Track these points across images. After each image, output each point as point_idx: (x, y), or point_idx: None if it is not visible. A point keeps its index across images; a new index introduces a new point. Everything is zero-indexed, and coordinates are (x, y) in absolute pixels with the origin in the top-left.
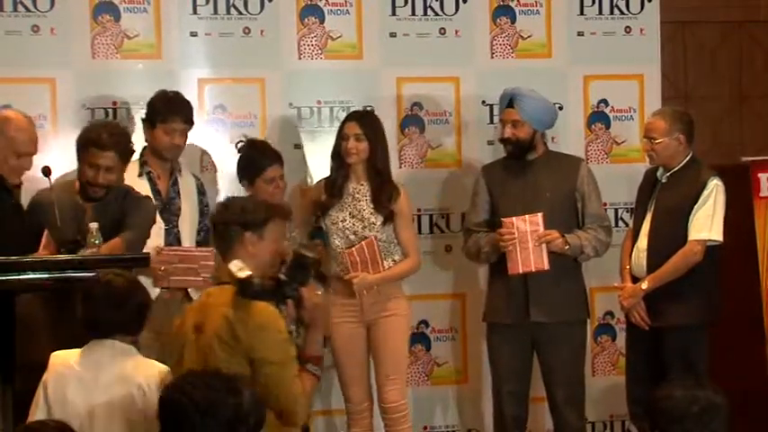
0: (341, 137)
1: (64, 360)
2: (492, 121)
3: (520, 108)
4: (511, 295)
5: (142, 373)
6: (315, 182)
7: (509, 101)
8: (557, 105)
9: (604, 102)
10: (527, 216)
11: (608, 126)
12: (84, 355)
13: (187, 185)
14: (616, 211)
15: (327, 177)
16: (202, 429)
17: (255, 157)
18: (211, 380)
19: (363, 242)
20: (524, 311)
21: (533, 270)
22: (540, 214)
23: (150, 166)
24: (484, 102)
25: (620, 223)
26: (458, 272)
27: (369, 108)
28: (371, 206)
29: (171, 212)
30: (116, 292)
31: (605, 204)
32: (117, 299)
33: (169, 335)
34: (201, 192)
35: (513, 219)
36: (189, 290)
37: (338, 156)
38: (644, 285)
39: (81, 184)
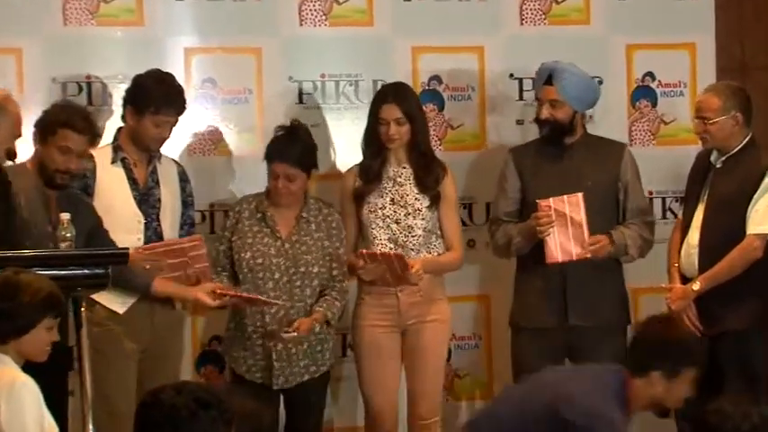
0: (377, 121)
1: None
2: (521, 98)
3: (560, 86)
4: (546, 295)
5: None
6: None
7: (548, 77)
8: (596, 79)
9: (650, 75)
10: (565, 197)
11: (654, 103)
12: None
13: (167, 173)
14: (663, 200)
15: (362, 163)
16: None
17: (271, 145)
18: (188, 392)
19: (393, 252)
20: (562, 314)
21: (574, 259)
22: (580, 195)
23: (125, 152)
24: (512, 75)
25: (669, 215)
26: (482, 270)
27: (383, 82)
28: (416, 189)
29: (150, 204)
30: None
31: (651, 193)
32: None
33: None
34: (184, 179)
35: (551, 200)
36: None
37: (374, 141)
38: (696, 286)
39: (44, 169)
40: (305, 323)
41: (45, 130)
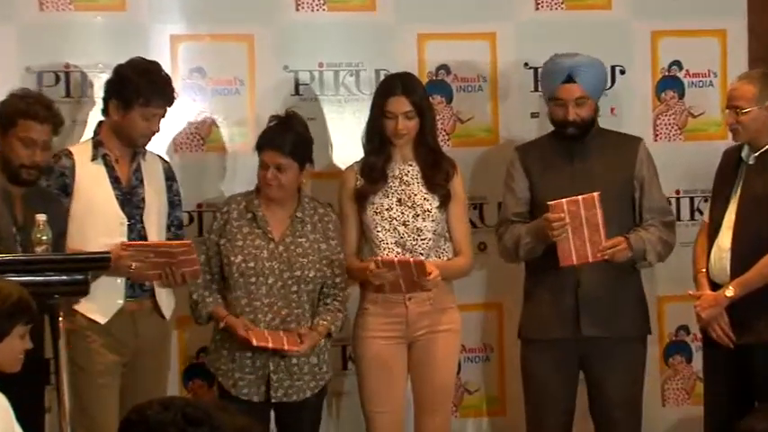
0: (384, 114)
1: None
2: (536, 89)
3: (584, 82)
4: (556, 304)
5: None
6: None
7: (567, 75)
8: (618, 69)
9: (677, 64)
10: (580, 198)
11: (682, 94)
12: None
13: (152, 170)
14: (692, 200)
15: (364, 160)
16: None
17: (265, 131)
18: (176, 408)
19: (413, 259)
20: (574, 324)
21: (590, 261)
22: (596, 194)
23: (107, 148)
24: (527, 64)
25: (697, 216)
26: (493, 276)
27: (386, 72)
28: (424, 189)
29: (133, 204)
30: None
31: (678, 192)
32: None
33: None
34: (170, 177)
35: (564, 201)
36: (160, 302)
37: (378, 136)
38: (728, 293)
39: (8, 165)
40: (308, 338)
41: (4, 122)
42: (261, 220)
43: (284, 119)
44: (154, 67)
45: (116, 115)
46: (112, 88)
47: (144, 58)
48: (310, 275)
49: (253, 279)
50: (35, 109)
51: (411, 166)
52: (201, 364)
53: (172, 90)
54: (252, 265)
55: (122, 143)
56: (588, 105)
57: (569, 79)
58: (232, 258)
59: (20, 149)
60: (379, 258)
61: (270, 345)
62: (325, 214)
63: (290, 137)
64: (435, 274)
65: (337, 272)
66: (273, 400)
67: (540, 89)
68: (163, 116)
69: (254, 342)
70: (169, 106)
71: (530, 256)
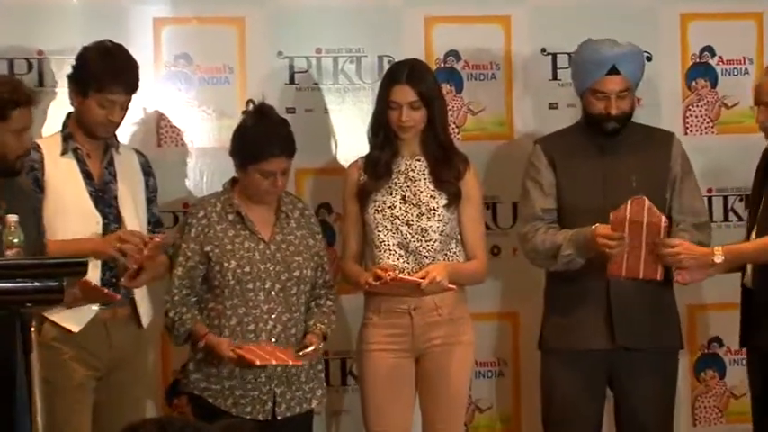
0: (387, 105)
1: None
2: (555, 77)
3: (630, 73)
4: (588, 311)
5: None
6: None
7: (612, 66)
8: (645, 55)
9: (709, 50)
10: (646, 204)
11: (714, 83)
12: None
13: (127, 165)
14: (725, 199)
15: (368, 155)
16: None
17: (257, 138)
18: (174, 429)
19: (404, 277)
20: (607, 333)
21: (641, 277)
22: (664, 220)
23: (77, 141)
24: (544, 50)
25: (731, 216)
26: (508, 283)
27: (389, 59)
28: (431, 186)
29: (107, 203)
30: None
31: (709, 191)
32: None
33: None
34: (147, 172)
35: (626, 211)
36: (139, 309)
37: (383, 128)
38: (717, 258)
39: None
40: (315, 341)
41: None
42: (248, 220)
43: (260, 115)
44: (115, 50)
45: (74, 102)
46: (72, 72)
47: (110, 41)
48: (308, 275)
49: (250, 285)
50: (20, 95)
51: (419, 161)
52: None
53: (134, 76)
54: (248, 269)
55: (86, 134)
56: (630, 98)
57: (613, 70)
58: (225, 264)
59: (12, 141)
60: (378, 273)
61: (273, 362)
62: (305, 208)
63: (284, 135)
64: (431, 277)
65: (326, 269)
66: (279, 417)
67: (559, 77)
68: (124, 105)
69: (258, 363)
70: (131, 94)
71: (567, 267)
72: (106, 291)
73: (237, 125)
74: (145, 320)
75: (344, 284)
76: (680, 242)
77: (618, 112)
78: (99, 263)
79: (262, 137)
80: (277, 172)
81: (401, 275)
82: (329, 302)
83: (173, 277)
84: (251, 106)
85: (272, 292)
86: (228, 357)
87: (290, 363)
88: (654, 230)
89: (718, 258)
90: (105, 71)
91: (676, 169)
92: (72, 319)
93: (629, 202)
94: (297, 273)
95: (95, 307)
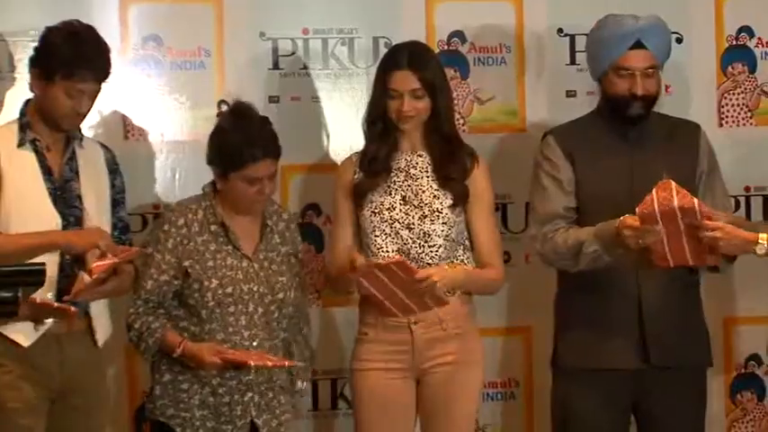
0: (386, 93)
1: None
2: (573, 61)
3: (654, 47)
4: (615, 325)
5: None
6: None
7: (636, 40)
8: (674, 37)
9: (747, 31)
10: (674, 189)
11: (753, 68)
12: None
13: (91, 161)
14: (765, 199)
15: (363, 150)
16: None
17: (236, 142)
18: None
19: (391, 260)
20: (639, 351)
21: (690, 265)
22: (696, 201)
23: (36, 132)
24: (561, 31)
25: None
26: (520, 293)
27: (386, 40)
28: (435, 184)
29: (67, 202)
30: None
31: (747, 189)
32: None
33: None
34: (113, 170)
35: (654, 203)
36: (95, 324)
37: (381, 119)
38: (760, 250)
39: None
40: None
41: None
42: (231, 233)
43: (243, 118)
44: (86, 33)
45: (37, 88)
46: (35, 55)
47: (77, 21)
48: (291, 296)
49: (231, 308)
50: None
51: (421, 156)
52: None
53: (105, 62)
54: (230, 290)
55: (48, 125)
56: (656, 78)
57: (638, 44)
58: (206, 283)
59: None
60: (359, 262)
61: (269, 363)
62: (290, 220)
63: (266, 135)
64: (428, 274)
65: (304, 292)
66: None
67: (578, 61)
68: (93, 94)
69: (252, 363)
70: (101, 82)
71: (592, 266)
72: (56, 305)
73: (213, 129)
74: (100, 338)
75: (334, 296)
76: (722, 225)
77: (644, 92)
78: (57, 260)
79: (241, 140)
80: (263, 177)
81: (381, 262)
82: (306, 330)
83: (138, 290)
84: (224, 107)
85: (255, 317)
86: (212, 363)
87: (287, 364)
88: (689, 213)
89: (761, 249)
90: (74, 56)
91: (704, 165)
92: (21, 331)
93: (654, 190)
94: (281, 295)
95: (49, 318)
